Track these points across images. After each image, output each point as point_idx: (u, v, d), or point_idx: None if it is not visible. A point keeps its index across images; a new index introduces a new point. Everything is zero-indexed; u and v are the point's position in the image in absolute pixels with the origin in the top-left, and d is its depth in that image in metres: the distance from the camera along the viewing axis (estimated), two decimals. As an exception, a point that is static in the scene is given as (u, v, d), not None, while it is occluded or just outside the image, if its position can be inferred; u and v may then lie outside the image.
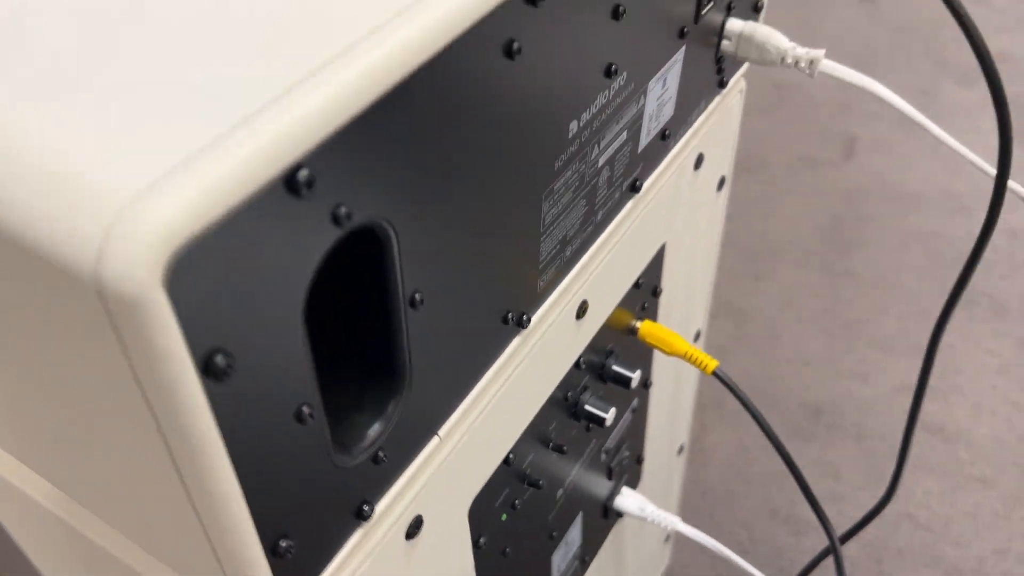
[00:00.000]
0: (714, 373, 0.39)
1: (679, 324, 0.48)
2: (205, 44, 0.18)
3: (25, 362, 0.21)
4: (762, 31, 0.35)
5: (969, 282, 0.37)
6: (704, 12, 0.33)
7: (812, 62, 0.34)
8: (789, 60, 0.34)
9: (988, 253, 0.93)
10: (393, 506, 0.26)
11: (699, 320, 0.52)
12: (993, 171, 0.34)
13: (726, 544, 0.76)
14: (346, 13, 0.19)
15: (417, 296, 0.23)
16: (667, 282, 0.43)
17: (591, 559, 0.49)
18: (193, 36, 0.18)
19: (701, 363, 0.40)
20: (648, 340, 0.40)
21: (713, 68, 0.37)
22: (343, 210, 0.18)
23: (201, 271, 0.15)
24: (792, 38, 0.35)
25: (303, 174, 0.17)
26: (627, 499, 0.48)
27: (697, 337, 0.53)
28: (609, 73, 0.28)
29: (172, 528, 0.22)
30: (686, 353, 0.40)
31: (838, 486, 0.79)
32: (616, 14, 0.27)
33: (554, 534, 0.42)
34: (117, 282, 0.14)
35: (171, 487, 0.19)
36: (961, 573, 0.73)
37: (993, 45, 1.10)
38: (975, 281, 0.94)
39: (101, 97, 0.17)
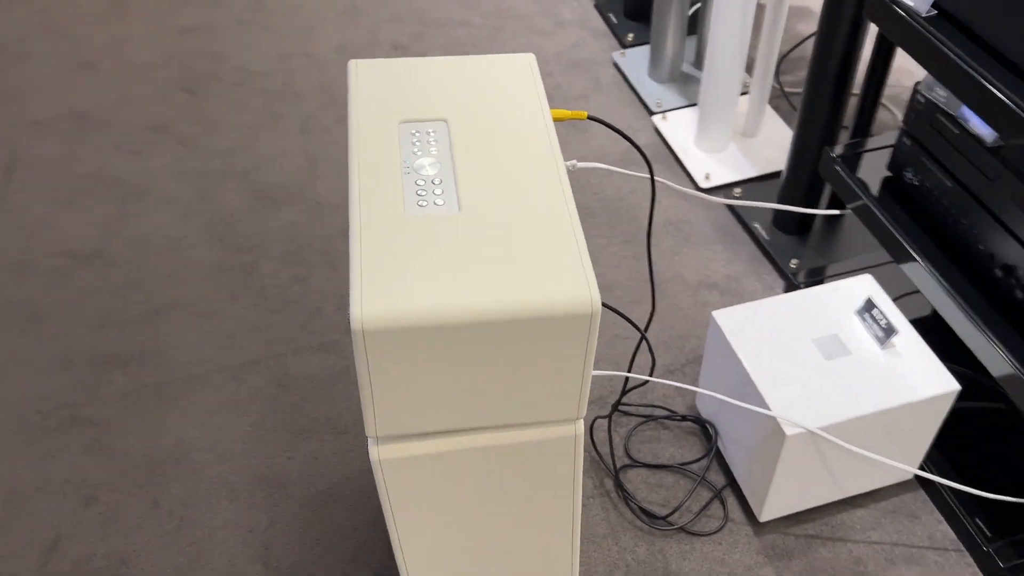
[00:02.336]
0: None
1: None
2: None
3: (489, 375, 0.64)
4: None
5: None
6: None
7: (574, 164, 0.86)
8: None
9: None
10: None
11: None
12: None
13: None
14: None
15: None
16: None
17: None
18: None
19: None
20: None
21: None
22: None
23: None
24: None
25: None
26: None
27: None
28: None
29: (554, 400, 0.67)
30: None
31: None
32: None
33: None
34: (595, 310, 0.61)
35: (574, 382, 0.65)
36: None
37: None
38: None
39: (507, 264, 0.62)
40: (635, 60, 1.84)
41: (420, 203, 0.68)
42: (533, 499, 0.76)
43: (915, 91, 1.08)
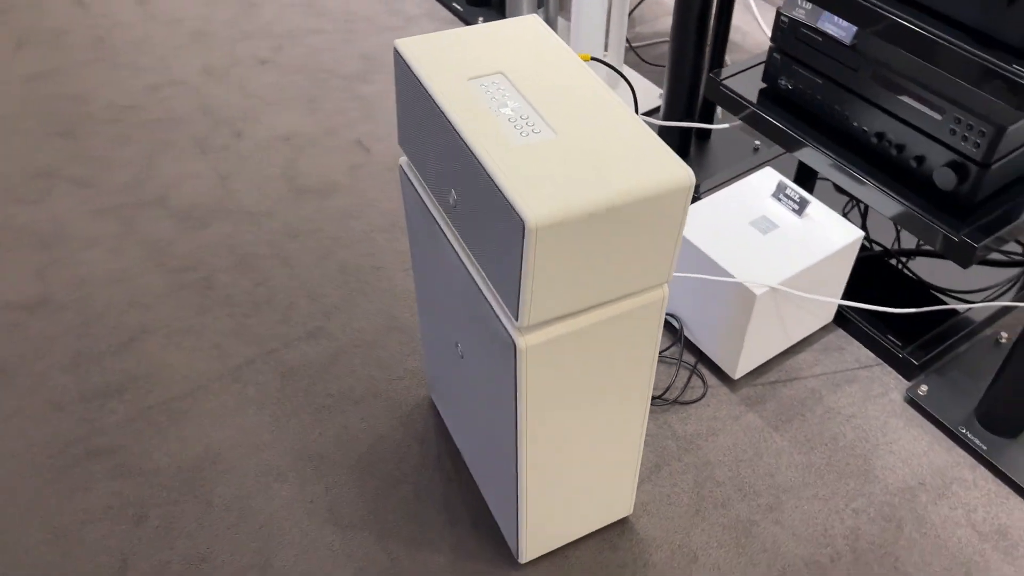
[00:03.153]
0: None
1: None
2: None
3: (608, 257, 0.81)
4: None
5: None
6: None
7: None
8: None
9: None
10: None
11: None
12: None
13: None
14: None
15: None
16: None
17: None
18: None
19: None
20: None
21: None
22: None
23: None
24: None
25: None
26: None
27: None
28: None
29: (656, 266, 0.85)
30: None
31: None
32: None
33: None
34: (692, 183, 0.80)
35: (672, 248, 0.83)
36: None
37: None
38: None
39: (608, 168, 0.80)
40: (492, 39, 2.04)
41: (522, 134, 0.83)
42: (628, 362, 0.95)
43: (779, 13, 1.36)
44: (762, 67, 1.47)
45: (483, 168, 0.80)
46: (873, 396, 1.36)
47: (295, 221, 1.66)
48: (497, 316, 0.87)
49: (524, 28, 0.98)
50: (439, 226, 0.97)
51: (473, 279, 0.91)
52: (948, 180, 1.21)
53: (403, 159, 1.05)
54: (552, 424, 0.96)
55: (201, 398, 1.37)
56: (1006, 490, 1.25)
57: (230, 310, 1.50)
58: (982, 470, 1.27)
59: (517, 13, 1.93)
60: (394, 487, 1.25)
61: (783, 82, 1.40)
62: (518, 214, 0.76)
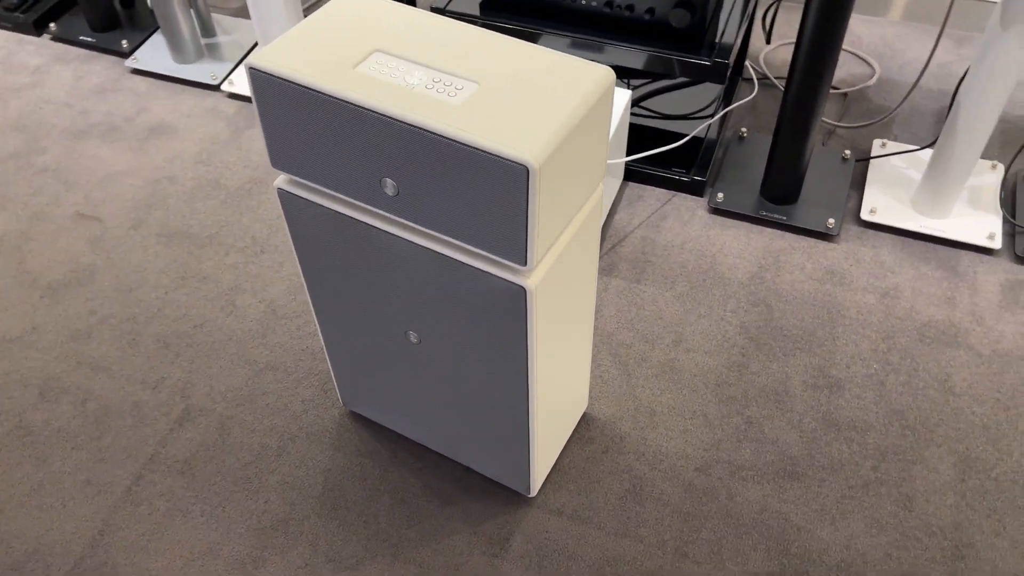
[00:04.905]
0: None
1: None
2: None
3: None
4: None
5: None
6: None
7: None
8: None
9: None
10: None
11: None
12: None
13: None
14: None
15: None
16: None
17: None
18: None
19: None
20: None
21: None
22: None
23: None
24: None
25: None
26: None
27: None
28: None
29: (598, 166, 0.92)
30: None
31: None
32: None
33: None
34: (614, 79, 0.87)
35: (605, 146, 0.90)
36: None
37: None
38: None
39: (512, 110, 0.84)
40: (151, 57, 1.87)
41: (450, 95, 0.84)
42: (584, 265, 1.01)
43: (476, -71, 1.43)
44: (474, -17, 1.54)
45: (444, 137, 0.80)
46: (687, 221, 1.57)
47: (72, 322, 1.44)
48: (491, 274, 0.89)
49: (349, 5, 0.95)
50: (370, 226, 0.94)
51: (441, 255, 0.91)
52: (683, 18, 1.40)
53: (281, 179, 0.98)
54: (550, 353, 1.01)
55: (110, 541, 1.19)
56: (796, 239, 1.53)
57: (72, 443, 1.29)
58: (790, 235, 1.54)
59: (174, 23, 1.78)
60: (373, 504, 1.21)
61: (502, -11, 1.49)
62: (515, 162, 0.78)
